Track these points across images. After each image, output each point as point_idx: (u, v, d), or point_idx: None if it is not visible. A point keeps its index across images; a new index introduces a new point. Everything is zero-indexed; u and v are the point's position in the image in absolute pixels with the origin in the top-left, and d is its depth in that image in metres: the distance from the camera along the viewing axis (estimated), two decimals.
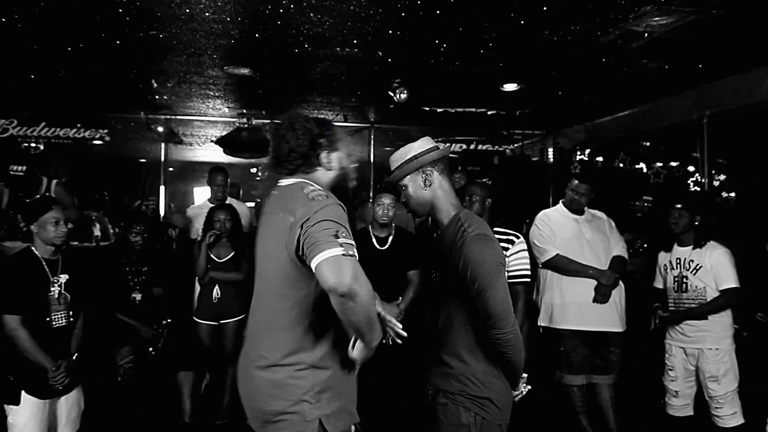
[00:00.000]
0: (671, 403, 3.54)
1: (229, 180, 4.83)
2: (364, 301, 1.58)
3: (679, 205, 3.45)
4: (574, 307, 3.56)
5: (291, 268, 1.70)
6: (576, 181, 3.76)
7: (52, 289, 2.82)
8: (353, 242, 1.63)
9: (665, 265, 3.57)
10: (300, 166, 1.84)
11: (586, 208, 3.75)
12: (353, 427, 1.83)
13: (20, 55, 4.05)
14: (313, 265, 1.56)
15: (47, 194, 3.94)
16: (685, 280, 3.45)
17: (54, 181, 4.09)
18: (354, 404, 1.87)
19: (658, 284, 3.65)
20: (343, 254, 1.56)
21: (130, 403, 3.77)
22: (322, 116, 1.94)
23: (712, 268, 3.35)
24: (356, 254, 1.62)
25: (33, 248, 2.84)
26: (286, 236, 1.67)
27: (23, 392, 2.72)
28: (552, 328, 3.64)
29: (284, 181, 1.86)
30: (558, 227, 3.67)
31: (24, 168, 4.17)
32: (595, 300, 3.54)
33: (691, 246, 3.45)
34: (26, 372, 2.73)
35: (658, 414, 3.64)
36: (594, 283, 3.55)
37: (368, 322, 1.64)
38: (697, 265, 3.40)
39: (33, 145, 6.06)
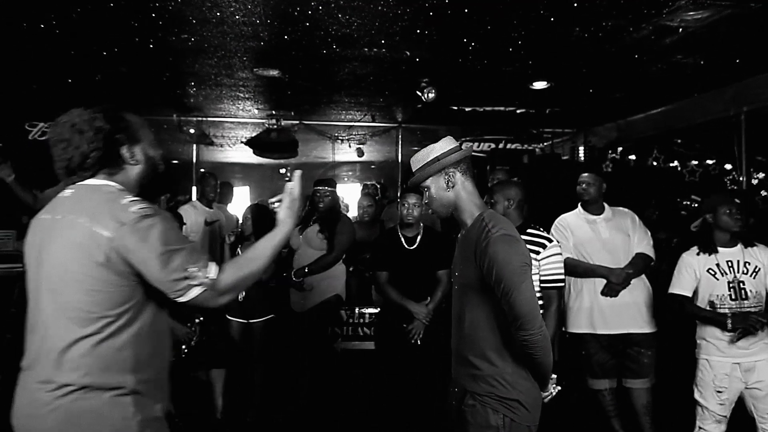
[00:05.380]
0: (710, 429, 3.10)
1: (218, 183, 5.37)
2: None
3: (737, 200, 3.15)
4: (591, 311, 3.50)
5: (103, 286, 1.50)
6: (582, 174, 3.71)
7: None
8: (190, 253, 1.52)
9: (710, 269, 3.10)
10: (101, 169, 1.60)
11: (606, 207, 3.66)
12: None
13: (58, 60, 4.18)
14: (183, 300, 1.51)
15: None
16: (742, 285, 3.04)
17: None
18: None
19: (684, 291, 3.15)
20: (203, 288, 1.51)
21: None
22: (109, 105, 1.64)
23: (765, 269, 3.10)
24: (205, 269, 1.52)
25: None
26: (96, 250, 1.47)
27: None
28: (574, 333, 3.58)
29: (85, 182, 1.60)
30: (574, 230, 3.61)
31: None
32: (602, 293, 3.47)
33: (738, 246, 3.14)
34: None
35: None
36: None
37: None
38: (756, 267, 3.09)
39: None
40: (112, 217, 1.48)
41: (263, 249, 1.66)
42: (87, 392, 1.49)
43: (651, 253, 3.57)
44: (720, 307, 3.06)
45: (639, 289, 3.51)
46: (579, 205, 3.73)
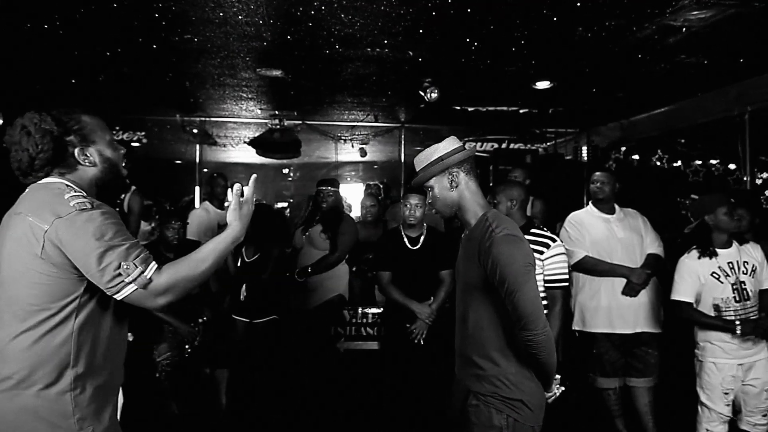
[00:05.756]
0: (718, 431, 3.07)
1: (229, 183, 5.29)
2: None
3: (732, 200, 3.17)
4: (607, 310, 3.49)
5: (40, 279, 1.51)
6: (596, 173, 3.72)
7: None
8: (128, 250, 1.50)
9: (714, 273, 3.06)
10: (52, 170, 1.61)
11: (617, 207, 3.67)
12: None
13: (61, 60, 4.18)
14: (118, 297, 1.49)
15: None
16: (744, 285, 3.04)
17: (132, 188, 4.23)
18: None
19: (687, 297, 3.09)
20: (135, 287, 1.48)
21: (168, 398, 3.88)
22: (68, 108, 1.64)
23: (761, 266, 3.14)
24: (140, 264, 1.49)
25: None
26: (34, 242, 1.49)
27: None
28: (586, 332, 3.57)
29: (39, 181, 1.62)
30: (588, 228, 3.60)
31: None
32: (623, 292, 3.46)
33: (734, 246, 3.14)
34: None
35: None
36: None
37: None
38: (753, 265, 3.10)
39: None
40: (51, 211, 1.50)
41: (208, 252, 1.61)
42: (25, 387, 1.49)
43: (662, 254, 3.58)
44: (725, 310, 3.04)
45: (652, 289, 3.52)
46: (590, 203, 3.73)
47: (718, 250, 3.10)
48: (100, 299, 1.57)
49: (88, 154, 1.64)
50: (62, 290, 1.52)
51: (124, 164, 1.77)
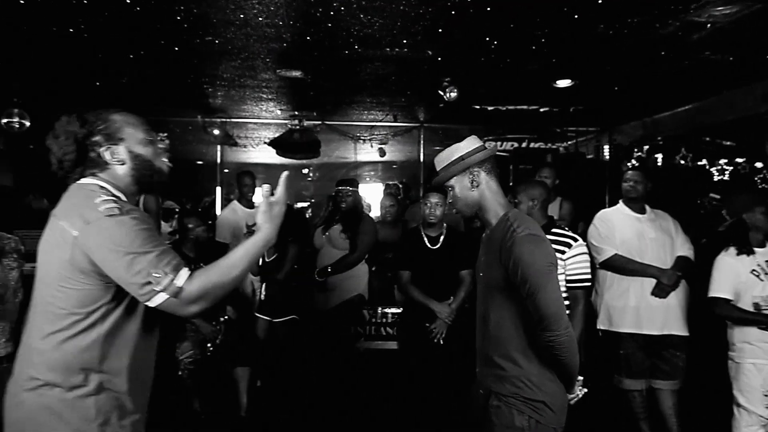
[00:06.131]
0: None
1: (257, 182, 5.14)
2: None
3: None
4: (635, 310, 3.44)
5: (71, 284, 1.50)
6: (629, 171, 3.69)
7: None
8: (158, 256, 1.46)
9: (754, 271, 3.06)
10: (85, 170, 1.61)
11: (648, 208, 3.62)
12: None
13: (86, 63, 4.26)
14: (150, 305, 1.46)
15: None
16: None
17: None
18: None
19: (724, 293, 3.09)
20: (167, 296, 1.44)
21: (190, 396, 3.92)
22: (101, 110, 1.54)
23: None
24: (171, 270, 1.45)
25: None
26: (64, 247, 1.49)
27: None
28: (612, 332, 3.53)
29: (77, 181, 1.62)
30: (618, 226, 3.55)
31: None
32: (652, 293, 3.41)
33: (767, 245, 3.14)
34: None
35: (725, 426, 3.45)
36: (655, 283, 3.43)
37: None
38: None
39: None
40: (80, 216, 1.48)
41: (239, 257, 1.55)
42: (50, 389, 1.49)
43: (692, 257, 3.53)
44: (765, 308, 3.02)
45: (681, 292, 3.47)
46: (620, 201, 3.68)
47: (755, 249, 3.11)
48: (128, 306, 1.56)
49: (117, 153, 1.62)
50: (90, 296, 1.51)
51: (165, 160, 1.72)
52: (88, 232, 1.46)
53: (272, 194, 1.65)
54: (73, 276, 1.49)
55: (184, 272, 1.47)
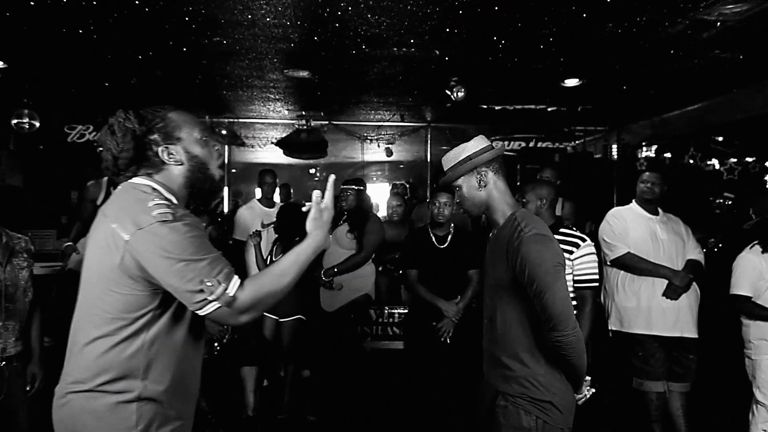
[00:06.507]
0: None
1: (278, 181, 5.12)
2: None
3: None
4: (650, 311, 3.41)
5: (118, 289, 1.47)
6: (646, 173, 3.64)
7: None
8: (210, 265, 1.42)
9: None
10: (139, 170, 1.56)
11: (660, 210, 3.60)
12: None
13: (95, 64, 4.29)
14: (201, 314, 1.44)
15: None
16: None
17: None
18: None
19: (745, 291, 3.15)
20: (218, 305, 1.41)
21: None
22: (158, 106, 1.61)
23: None
24: (221, 275, 1.42)
25: None
26: (114, 251, 1.45)
27: None
28: (625, 333, 3.49)
29: (129, 180, 1.57)
30: (631, 225, 3.52)
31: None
32: (664, 294, 3.39)
33: None
34: None
35: (734, 427, 3.43)
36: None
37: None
38: None
39: None
40: (132, 220, 1.43)
41: (289, 265, 1.52)
42: (94, 392, 1.47)
43: (703, 261, 3.51)
44: None
45: (692, 294, 3.45)
46: (634, 201, 3.65)
47: None
48: (174, 313, 1.52)
49: (174, 153, 1.57)
50: (136, 303, 1.47)
51: (219, 164, 1.67)
52: (139, 238, 1.41)
53: (322, 199, 1.60)
54: (121, 280, 1.45)
55: (236, 280, 1.44)
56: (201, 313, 1.43)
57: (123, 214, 1.46)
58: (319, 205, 1.59)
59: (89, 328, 1.50)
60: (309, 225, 1.58)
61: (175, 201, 1.55)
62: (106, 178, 4.27)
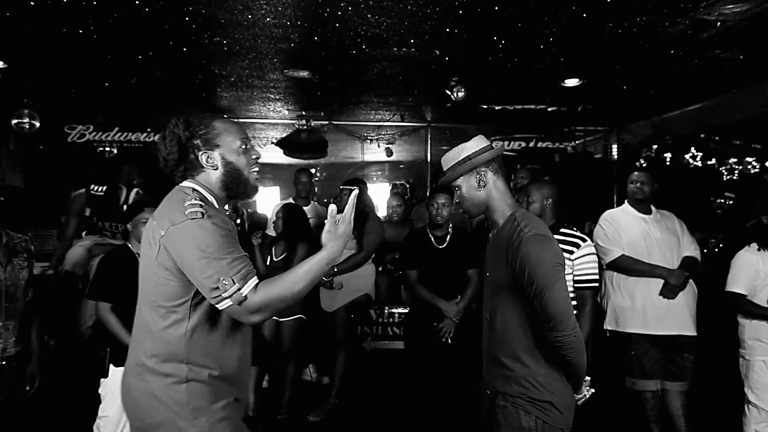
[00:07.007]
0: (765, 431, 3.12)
1: (313, 180, 5.18)
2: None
3: None
4: (645, 310, 3.42)
5: (161, 281, 1.63)
6: (635, 173, 3.66)
7: None
8: (230, 264, 1.54)
9: None
10: (185, 173, 1.73)
11: (653, 208, 3.60)
12: None
13: (95, 64, 4.29)
14: (219, 308, 1.56)
15: (128, 203, 4.26)
16: None
17: (134, 190, 4.37)
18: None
19: (741, 289, 3.20)
20: (231, 303, 1.53)
21: None
22: (209, 114, 1.88)
23: None
24: (242, 275, 1.54)
25: (129, 245, 3.09)
26: (154, 246, 1.62)
27: (111, 366, 2.96)
28: (620, 332, 3.50)
29: (180, 183, 1.75)
30: (624, 227, 3.53)
31: (105, 188, 4.50)
32: (660, 293, 3.39)
33: None
34: (114, 348, 2.95)
35: (733, 426, 3.43)
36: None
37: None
38: None
39: (107, 149, 6.41)
40: (168, 217, 1.59)
41: (303, 273, 1.60)
42: (149, 375, 1.64)
43: (699, 257, 3.51)
44: None
45: (689, 292, 3.45)
46: (626, 202, 3.67)
47: None
48: (212, 305, 1.61)
49: (212, 158, 1.72)
50: (175, 292, 1.62)
51: (255, 172, 1.79)
52: (171, 233, 1.57)
53: (338, 213, 1.70)
54: (160, 272, 1.61)
55: (252, 282, 1.55)
56: (219, 307, 1.56)
57: (163, 212, 1.64)
58: (335, 218, 1.68)
59: (146, 316, 1.67)
60: (324, 237, 1.68)
61: (215, 202, 1.71)
62: (84, 189, 4.43)
